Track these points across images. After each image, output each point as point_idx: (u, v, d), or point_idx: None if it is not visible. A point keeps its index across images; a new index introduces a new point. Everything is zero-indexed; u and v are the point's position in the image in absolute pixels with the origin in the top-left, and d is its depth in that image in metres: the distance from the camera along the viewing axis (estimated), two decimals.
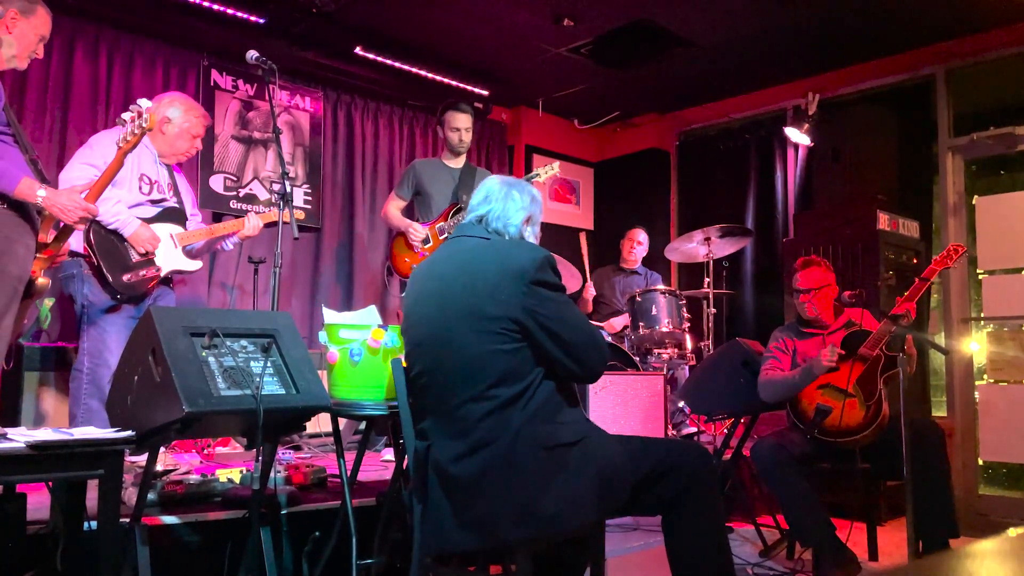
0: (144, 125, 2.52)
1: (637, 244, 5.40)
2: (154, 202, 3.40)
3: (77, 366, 3.23)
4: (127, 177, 3.30)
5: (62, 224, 2.60)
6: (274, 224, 3.04)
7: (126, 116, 2.54)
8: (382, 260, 5.49)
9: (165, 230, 3.38)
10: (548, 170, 4.19)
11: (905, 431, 2.62)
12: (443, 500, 1.88)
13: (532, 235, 2.18)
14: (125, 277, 3.22)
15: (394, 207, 4.25)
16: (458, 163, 4.26)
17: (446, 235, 4.05)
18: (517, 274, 1.88)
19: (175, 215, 3.46)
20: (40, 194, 2.44)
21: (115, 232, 3.23)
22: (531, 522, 1.81)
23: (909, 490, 2.64)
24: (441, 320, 1.95)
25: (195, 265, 3.51)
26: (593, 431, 1.96)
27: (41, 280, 2.62)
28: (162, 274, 3.34)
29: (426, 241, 4.06)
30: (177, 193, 3.54)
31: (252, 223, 3.55)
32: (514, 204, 2.11)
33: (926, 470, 2.84)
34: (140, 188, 3.36)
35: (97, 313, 3.22)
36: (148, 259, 3.29)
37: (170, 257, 3.38)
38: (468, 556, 2.07)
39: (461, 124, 4.21)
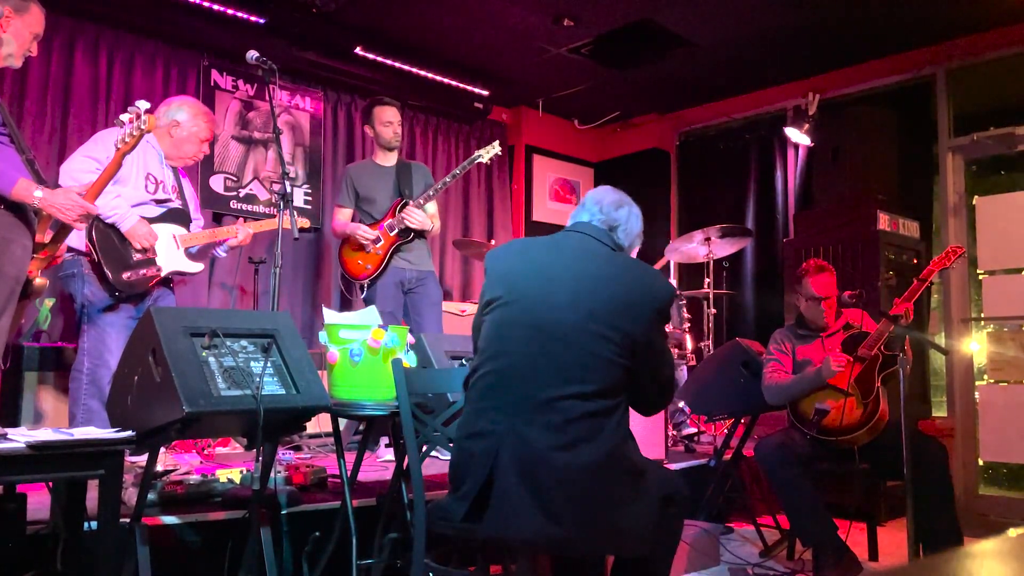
0: (143, 127, 2.51)
1: None
2: (159, 202, 3.40)
3: (77, 366, 3.22)
4: (133, 175, 3.31)
5: (59, 224, 2.60)
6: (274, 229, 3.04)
7: (124, 117, 2.53)
8: None
9: (168, 230, 3.38)
10: (490, 150, 4.22)
11: (907, 447, 2.61)
12: (519, 487, 1.79)
13: None
14: (125, 275, 3.22)
15: (342, 218, 4.21)
16: (391, 161, 4.25)
17: (396, 231, 4.06)
18: (654, 300, 1.94)
19: (179, 216, 3.47)
20: (37, 195, 2.44)
21: (114, 228, 3.23)
22: (613, 538, 1.82)
23: (909, 495, 2.64)
24: (554, 310, 1.89)
25: (196, 267, 3.51)
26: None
27: (38, 280, 2.62)
28: (163, 274, 3.34)
29: (378, 240, 4.06)
30: (182, 196, 3.55)
31: (242, 234, 3.57)
32: (635, 228, 2.10)
33: (929, 487, 2.84)
34: (146, 187, 3.37)
35: (97, 313, 3.21)
36: (149, 258, 3.29)
37: (172, 258, 3.38)
38: (472, 554, 2.06)
39: (392, 117, 4.19)
